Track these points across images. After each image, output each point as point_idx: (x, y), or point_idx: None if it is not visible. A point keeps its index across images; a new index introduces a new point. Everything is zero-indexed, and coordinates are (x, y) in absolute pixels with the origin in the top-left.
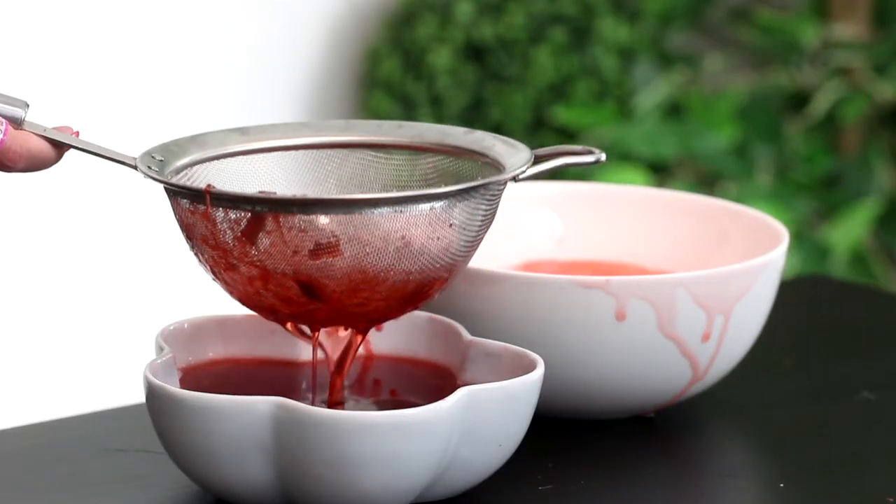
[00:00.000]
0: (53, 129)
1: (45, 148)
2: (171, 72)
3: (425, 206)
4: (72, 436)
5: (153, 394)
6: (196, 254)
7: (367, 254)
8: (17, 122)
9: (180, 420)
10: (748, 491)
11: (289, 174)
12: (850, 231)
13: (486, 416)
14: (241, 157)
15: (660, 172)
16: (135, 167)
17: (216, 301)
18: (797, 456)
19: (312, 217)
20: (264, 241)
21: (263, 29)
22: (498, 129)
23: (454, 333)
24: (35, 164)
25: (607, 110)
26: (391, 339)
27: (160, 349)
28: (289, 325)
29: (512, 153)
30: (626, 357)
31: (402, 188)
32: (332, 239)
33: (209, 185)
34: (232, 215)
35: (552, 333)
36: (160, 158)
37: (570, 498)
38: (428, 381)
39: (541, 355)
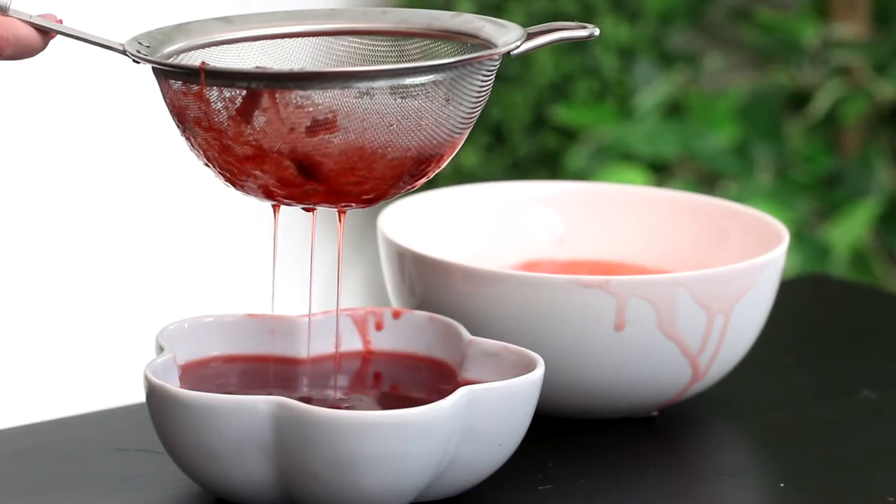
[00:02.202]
0: (38, 16)
1: (32, 34)
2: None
3: (422, 79)
4: (72, 436)
5: (153, 393)
6: (188, 138)
7: (364, 129)
8: (2, 9)
9: (180, 420)
10: (748, 491)
11: (275, 62)
12: (850, 231)
13: (486, 416)
14: (226, 46)
15: (660, 172)
16: (122, 52)
17: (216, 301)
18: (797, 456)
19: (309, 92)
20: (259, 119)
21: None
22: (498, 128)
23: (454, 333)
24: (21, 51)
25: (607, 110)
26: (391, 338)
27: (160, 349)
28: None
29: (503, 33)
30: (626, 357)
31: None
32: (328, 115)
33: (203, 63)
34: (227, 93)
35: (552, 333)
36: (146, 45)
37: (570, 498)
38: (428, 378)
39: (541, 355)
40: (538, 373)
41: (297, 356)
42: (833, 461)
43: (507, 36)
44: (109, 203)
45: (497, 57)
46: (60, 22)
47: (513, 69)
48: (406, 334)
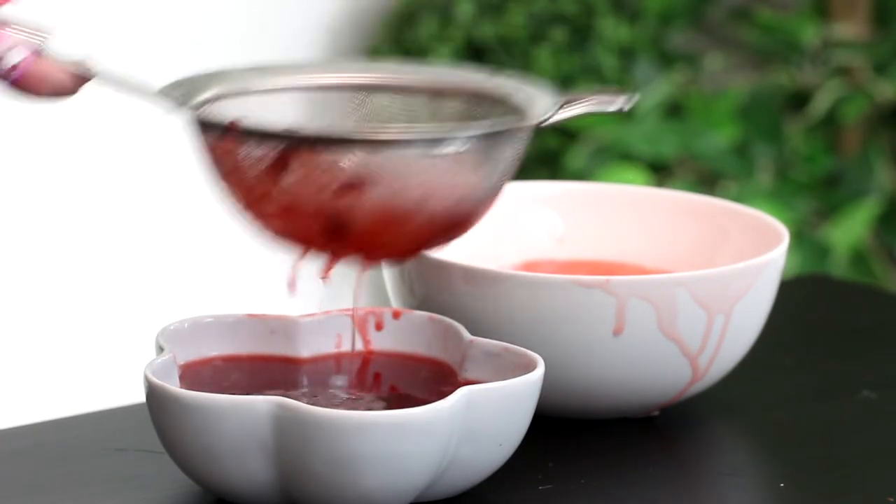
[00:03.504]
0: (75, 61)
1: (67, 77)
2: (168, 72)
3: (453, 148)
4: (72, 436)
5: (153, 394)
6: (220, 189)
7: (393, 192)
8: (38, 53)
9: (180, 420)
10: (748, 491)
11: (308, 113)
12: (850, 231)
13: (486, 416)
14: (261, 95)
15: (660, 172)
16: (157, 99)
17: (216, 301)
18: (797, 456)
19: (341, 154)
20: (291, 177)
21: (263, 29)
22: None
23: (454, 333)
24: (57, 93)
25: None
26: (391, 338)
27: (160, 349)
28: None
29: (536, 98)
30: (625, 357)
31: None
32: (358, 178)
33: (236, 120)
34: (260, 150)
35: (552, 334)
36: (181, 92)
37: (570, 498)
38: (428, 378)
39: (541, 355)
40: (538, 373)
41: (298, 356)
42: (833, 461)
43: (540, 103)
44: (110, 203)
45: (529, 128)
46: (94, 68)
47: (513, 69)
48: (406, 334)
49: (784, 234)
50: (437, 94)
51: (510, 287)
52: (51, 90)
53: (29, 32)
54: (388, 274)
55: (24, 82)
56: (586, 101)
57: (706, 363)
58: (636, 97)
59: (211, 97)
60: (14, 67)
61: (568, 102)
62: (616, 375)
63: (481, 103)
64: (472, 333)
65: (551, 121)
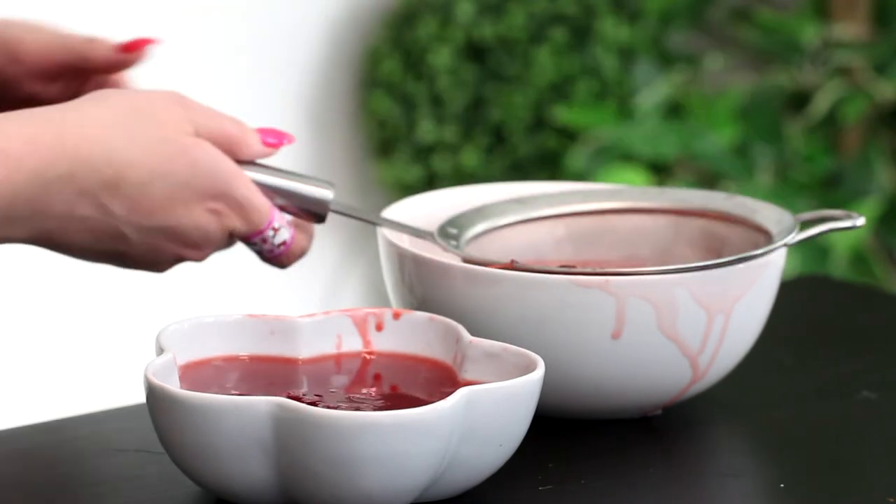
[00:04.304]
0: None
1: (308, 239)
2: (170, 72)
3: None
4: (72, 436)
5: (153, 394)
6: None
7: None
8: (325, 206)
9: (180, 420)
10: (748, 491)
11: (563, 236)
12: (850, 231)
13: (486, 416)
14: (518, 226)
15: (660, 172)
16: (434, 239)
17: (216, 301)
18: (797, 456)
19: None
20: None
21: (263, 29)
22: (498, 128)
23: (454, 333)
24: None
25: (608, 110)
26: (392, 338)
27: (160, 349)
28: None
29: (775, 218)
30: (625, 357)
31: (669, 253)
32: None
33: (512, 260)
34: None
35: (552, 334)
36: (454, 232)
37: (570, 498)
38: (428, 378)
39: (540, 355)
40: (538, 373)
41: (297, 356)
42: (833, 461)
43: (781, 223)
44: None
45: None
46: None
47: (513, 69)
48: (406, 335)
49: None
50: (680, 214)
51: (510, 287)
52: (298, 258)
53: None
54: (387, 274)
55: (284, 258)
56: (822, 222)
57: (706, 363)
58: (862, 219)
59: (476, 234)
60: (284, 243)
61: (805, 222)
62: (616, 375)
63: (724, 221)
64: (472, 333)
65: (793, 242)
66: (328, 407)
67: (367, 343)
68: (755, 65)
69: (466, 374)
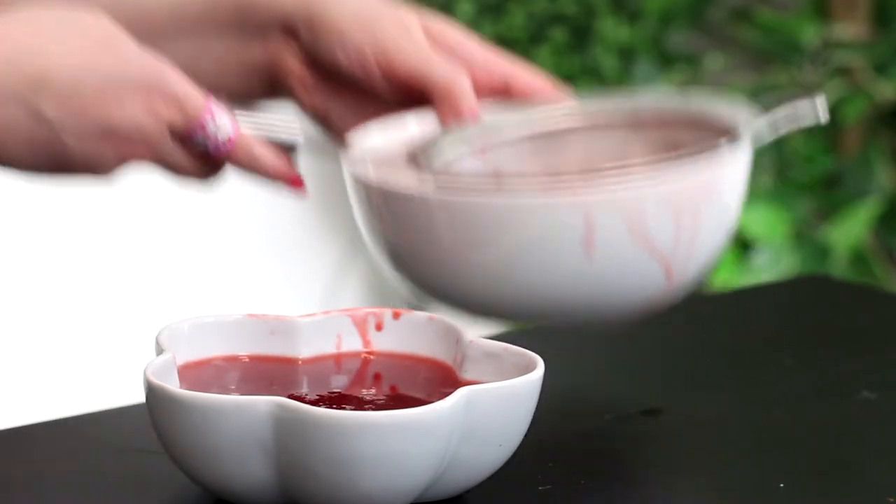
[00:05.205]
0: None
1: (271, 152)
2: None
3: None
4: (72, 436)
5: (153, 394)
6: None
7: None
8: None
9: (180, 420)
10: (748, 491)
11: (524, 159)
12: (850, 231)
13: (486, 416)
14: (478, 153)
15: None
16: (401, 167)
17: (216, 301)
18: (797, 456)
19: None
20: None
21: None
22: None
23: (454, 333)
24: (265, 171)
25: None
26: (391, 338)
27: (160, 349)
28: None
29: (735, 115)
30: (597, 266)
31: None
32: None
33: (495, 175)
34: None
35: (521, 245)
36: (422, 156)
37: (570, 498)
38: (428, 378)
39: (507, 265)
40: (538, 373)
41: (297, 356)
42: (833, 461)
43: (741, 119)
44: (110, 203)
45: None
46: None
47: None
48: (406, 334)
49: (743, 123)
50: (639, 126)
51: (477, 201)
52: (253, 158)
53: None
54: (359, 216)
55: (234, 155)
56: (784, 115)
57: (679, 266)
58: (821, 101)
59: (456, 156)
60: (229, 139)
61: (767, 120)
62: (588, 285)
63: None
64: (443, 253)
65: (757, 133)
66: (328, 407)
67: (366, 343)
68: (755, 65)
69: (466, 374)
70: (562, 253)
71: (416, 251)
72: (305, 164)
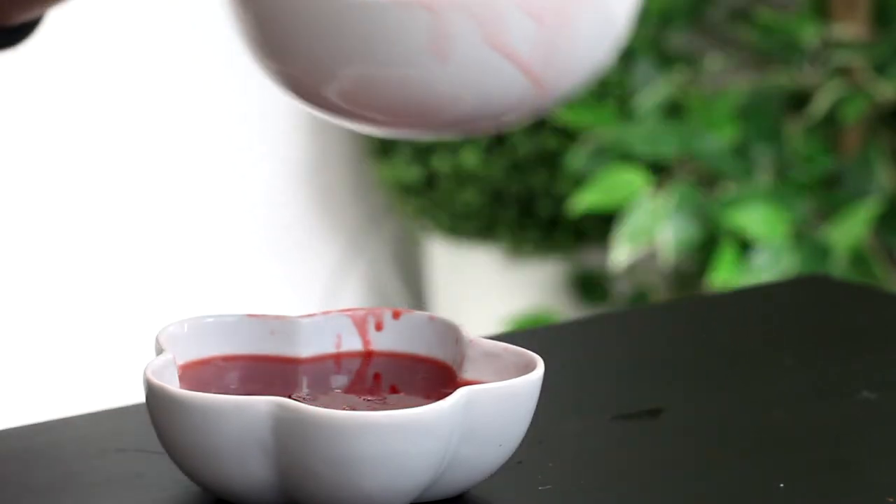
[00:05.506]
0: None
1: None
2: (170, 74)
3: None
4: (72, 436)
5: (153, 394)
6: None
7: None
8: None
9: (180, 420)
10: (747, 491)
11: None
12: (850, 231)
13: (486, 416)
14: None
15: (660, 172)
16: None
17: (216, 301)
18: (797, 456)
19: None
20: None
21: None
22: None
23: (454, 333)
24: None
25: (607, 110)
26: (391, 338)
27: (160, 349)
28: None
29: None
30: (449, 70)
31: None
32: None
33: None
34: None
35: (367, 51)
36: None
37: (570, 498)
38: (428, 378)
39: (361, 78)
40: (538, 373)
41: (297, 356)
42: (833, 461)
43: None
44: (110, 203)
45: None
46: None
47: None
48: (406, 334)
49: None
50: None
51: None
52: None
53: None
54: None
55: None
56: None
57: (548, 73)
58: None
59: None
60: None
61: None
62: (446, 91)
63: None
64: (290, 53)
65: None
66: (328, 407)
67: (366, 343)
68: (755, 65)
69: (466, 374)
70: (411, 56)
71: (276, 45)
72: (306, 165)
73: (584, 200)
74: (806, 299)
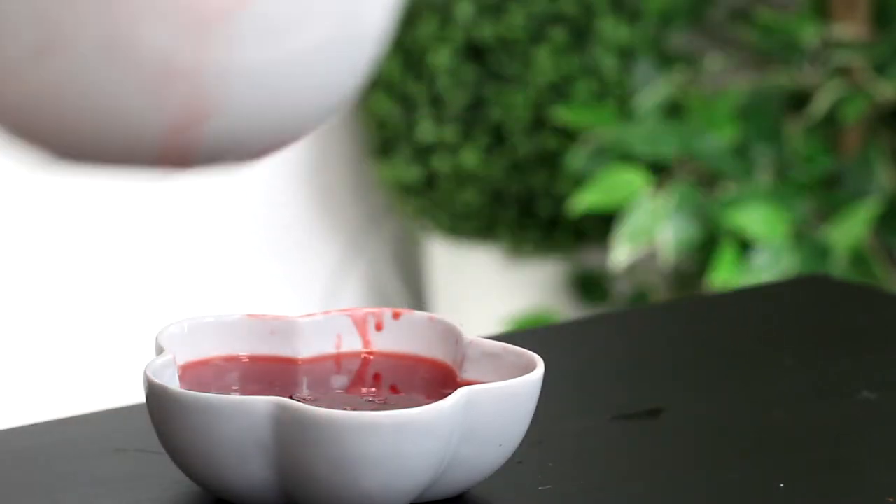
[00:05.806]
0: None
1: None
2: None
3: None
4: (72, 436)
5: (153, 394)
6: None
7: None
8: None
9: (180, 420)
10: (747, 491)
11: None
12: (850, 231)
13: (486, 416)
14: None
15: (660, 172)
16: None
17: (216, 301)
18: (797, 456)
19: None
20: None
21: None
22: (498, 128)
23: (454, 333)
24: None
25: (607, 110)
26: (391, 338)
27: (160, 349)
28: None
29: None
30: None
31: None
32: None
33: None
34: None
35: None
36: None
37: (570, 498)
38: (428, 378)
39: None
40: (538, 373)
41: (297, 356)
42: (833, 461)
43: None
44: (110, 203)
45: None
46: None
47: (513, 70)
48: (406, 335)
49: None
50: None
51: None
52: None
53: None
54: None
55: None
56: None
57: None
58: None
59: None
60: None
61: None
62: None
63: None
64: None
65: None
66: (328, 407)
67: (366, 343)
68: (755, 65)
69: (466, 374)
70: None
71: None
72: (306, 165)
73: (584, 200)
74: (806, 299)
